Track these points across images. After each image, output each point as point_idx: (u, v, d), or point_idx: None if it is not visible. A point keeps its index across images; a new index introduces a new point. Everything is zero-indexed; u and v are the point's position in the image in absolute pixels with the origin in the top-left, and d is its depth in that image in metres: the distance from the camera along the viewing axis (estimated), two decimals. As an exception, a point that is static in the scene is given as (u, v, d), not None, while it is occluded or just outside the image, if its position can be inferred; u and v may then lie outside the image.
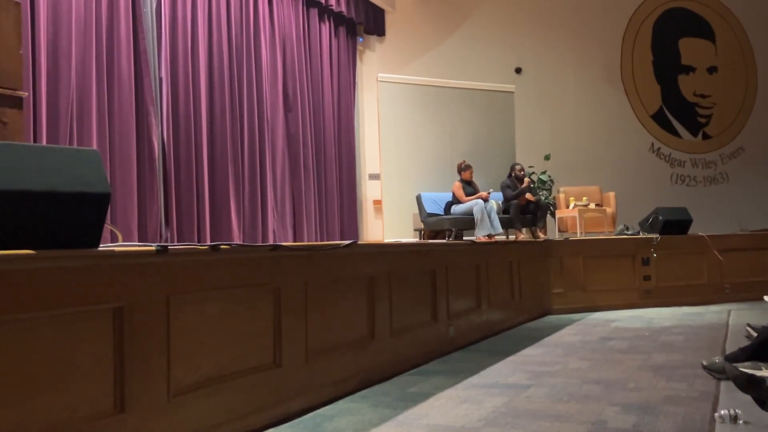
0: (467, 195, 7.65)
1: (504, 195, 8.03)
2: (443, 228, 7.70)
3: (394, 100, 8.58)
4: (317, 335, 3.15)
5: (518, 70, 10.66)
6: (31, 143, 4.72)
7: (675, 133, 11.55)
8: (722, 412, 2.59)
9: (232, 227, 7.04)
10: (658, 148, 11.42)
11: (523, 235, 7.78)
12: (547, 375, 3.66)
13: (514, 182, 8.10)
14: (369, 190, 9.69)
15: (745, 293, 7.17)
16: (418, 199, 8.13)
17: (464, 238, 7.35)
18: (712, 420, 2.61)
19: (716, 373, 3.37)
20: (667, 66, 11.54)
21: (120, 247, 2.31)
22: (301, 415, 2.91)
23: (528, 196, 7.96)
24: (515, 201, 7.82)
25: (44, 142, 5.16)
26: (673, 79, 11.59)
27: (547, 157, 9.83)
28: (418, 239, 7.98)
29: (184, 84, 6.67)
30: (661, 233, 7.12)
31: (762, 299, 6.63)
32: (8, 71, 2.94)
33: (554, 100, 10.81)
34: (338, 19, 9.30)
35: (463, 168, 7.93)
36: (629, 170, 10.91)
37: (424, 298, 4.32)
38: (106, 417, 2.09)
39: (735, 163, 11.68)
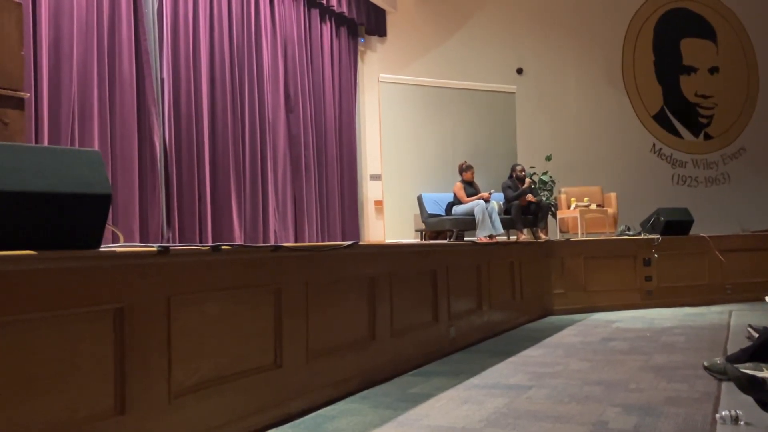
0: (468, 195, 7.65)
1: (505, 195, 8.03)
2: (444, 229, 7.70)
3: (396, 101, 8.58)
4: (318, 336, 3.15)
5: (519, 71, 10.66)
6: (33, 144, 4.73)
7: (676, 133, 11.54)
8: (723, 413, 2.59)
9: (233, 228, 7.05)
10: (660, 149, 11.41)
11: (525, 236, 7.77)
12: (548, 376, 3.66)
13: (515, 183, 8.09)
14: (370, 191, 9.69)
15: (747, 294, 7.16)
16: (419, 199, 8.13)
17: (465, 238, 7.35)
18: (714, 421, 2.61)
19: (717, 374, 3.37)
20: (668, 66, 11.53)
21: (121, 247, 2.31)
22: (302, 416, 2.91)
23: (529, 196, 7.96)
24: (516, 201, 7.81)
25: (45, 143, 5.17)
26: (675, 80, 11.59)
27: (548, 158, 9.82)
28: (419, 240, 7.98)
29: (185, 85, 6.68)
30: (662, 234, 7.11)
31: (763, 300, 6.63)
32: (10, 72, 2.95)
33: (555, 100, 10.80)
34: (339, 20, 9.31)
35: (464, 168, 7.92)
36: (630, 171, 10.91)
37: (425, 298, 4.32)
38: (107, 418, 2.10)
39: (736, 163, 11.67)
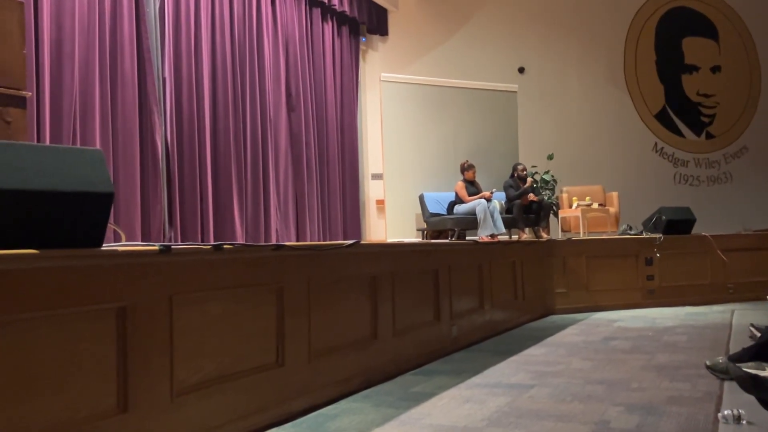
0: (470, 195, 7.65)
1: (507, 195, 8.03)
2: (446, 228, 7.69)
3: (397, 100, 8.58)
4: (320, 335, 3.15)
5: (521, 70, 10.65)
6: (35, 143, 4.73)
7: (678, 132, 11.53)
8: (725, 412, 2.58)
9: (235, 227, 7.05)
10: (662, 148, 11.40)
11: (526, 235, 7.77)
12: (550, 375, 3.65)
13: (516, 182, 8.10)
14: (372, 190, 9.69)
15: (749, 293, 7.15)
16: (421, 198, 8.13)
17: (467, 238, 7.35)
18: (716, 420, 2.61)
19: (720, 373, 3.37)
20: (670, 65, 11.52)
21: (123, 246, 2.31)
22: (304, 415, 2.91)
23: (531, 195, 7.96)
24: (518, 201, 7.81)
25: (47, 142, 5.17)
26: (677, 79, 11.58)
27: (550, 157, 9.82)
28: (420, 239, 7.98)
29: (187, 84, 6.68)
30: (664, 233, 7.11)
31: (765, 299, 6.62)
32: (12, 71, 2.95)
33: (557, 99, 10.80)
34: (341, 19, 9.31)
35: (465, 168, 7.92)
36: (632, 170, 10.90)
37: (426, 297, 4.32)
38: (109, 417, 2.10)
39: (738, 162, 11.66)
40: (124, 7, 6.01)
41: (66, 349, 1.99)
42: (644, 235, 7.29)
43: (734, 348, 4.06)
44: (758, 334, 4.25)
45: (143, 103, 6.21)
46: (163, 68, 6.48)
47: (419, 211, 8.23)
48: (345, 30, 9.41)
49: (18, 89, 2.96)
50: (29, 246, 1.91)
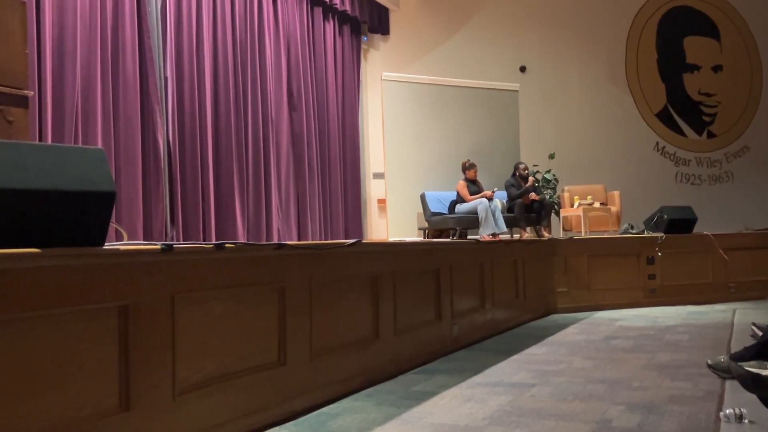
0: (471, 194, 7.65)
1: (508, 194, 8.03)
2: (447, 227, 7.70)
3: (399, 99, 8.58)
4: (322, 334, 3.15)
5: (523, 69, 10.64)
6: (37, 142, 4.74)
7: (680, 131, 11.52)
8: (727, 411, 2.58)
9: (236, 226, 7.05)
10: (663, 147, 11.39)
11: (528, 234, 7.77)
12: (551, 374, 3.66)
13: (518, 181, 8.09)
14: (373, 189, 9.69)
15: (750, 292, 7.16)
16: (423, 197, 8.13)
17: (468, 237, 7.35)
18: (717, 419, 2.61)
19: (721, 372, 3.37)
20: (671, 64, 11.51)
21: (125, 245, 2.31)
22: (306, 414, 2.91)
23: (532, 194, 7.96)
24: (519, 200, 7.81)
25: (49, 141, 5.18)
26: (678, 78, 11.56)
27: (551, 156, 9.82)
28: (422, 238, 7.98)
29: (189, 83, 6.68)
30: (665, 232, 7.11)
31: (767, 298, 6.63)
32: (14, 70, 2.95)
33: (558, 98, 10.79)
34: (342, 18, 9.30)
35: (467, 167, 7.92)
36: (634, 169, 10.89)
37: (428, 297, 4.32)
38: (111, 415, 2.10)
39: (740, 162, 11.65)
40: (126, 7, 6.02)
41: (68, 348, 1.99)
42: (646, 234, 7.29)
43: (736, 347, 4.06)
44: (760, 333, 4.25)
45: (145, 102, 6.21)
46: (165, 67, 6.48)
47: (421, 210, 8.23)
48: (346, 29, 9.41)
49: (20, 88, 2.96)
50: (31, 245, 1.91)
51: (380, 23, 9.95)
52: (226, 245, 2.60)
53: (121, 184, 5.82)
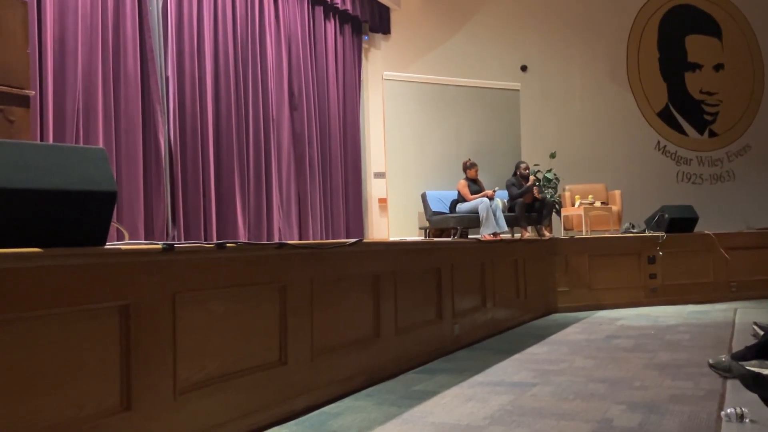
0: (472, 193, 7.65)
1: (509, 193, 8.03)
2: (448, 226, 7.70)
3: (400, 99, 8.58)
4: (323, 333, 3.15)
5: (524, 68, 10.63)
6: (38, 142, 4.74)
7: (681, 130, 11.51)
8: (728, 410, 2.58)
9: (237, 225, 7.06)
10: (664, 146, 11.38)
11: (529, 234, 7.77)
12: (552, 373, 3.66)
13: (519, 180, 8.09)
14: (374, 189, 9.69)
15: (752, 291, 7.15)
16: (424, 197, 8.13)
17: (469, 236, 7.35)
18: (719, 419, 2.61)
19: (722, 371, 3.36)
20: (673, 63, 11.50)
21: (126, 245, 2.32)
22: (307, 413, 2.92)
23: (535, 191, 7.96)
24: (520, 199, 7.81)
25: (51, 141, 5.18)
26: (680, 77, 11.55)
27: (552, 155, 9.80)
28: (423, 237, 7.98)
29: (190, 83, 6.68)
30: (666, 231, 7.10)
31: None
32: (15, 70, 2.95)
33: (560, 97, 10.78)
34: (343, 17, 9.30)
35: (468, 166, 7.92)
36: (635, 168, 10.89)
37: (429, 296, 4.32)
38: (112, 415, 2.10)
39: (741, 161, 11.64)
40: (127, 6, 6.02)
41: (69, 347, 1.99)
42: (647, 234, 7.28)
43: (737, 346, 4.05)
44: (761, 333, 4.24)
45: (146, 101, 6.21)
46: (166, 67, 6.48)
47: (422, 209, 8.23)
48: (347, 28, 9.41)
49: (21, 88, 2.96)
50: (33, 245, 1.92)
51: (381, 22, 9.94)
52: (227, 245, 2.60)
53: (123, 184, 5.82)
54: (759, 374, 2.77)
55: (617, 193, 9.36)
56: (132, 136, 6.00)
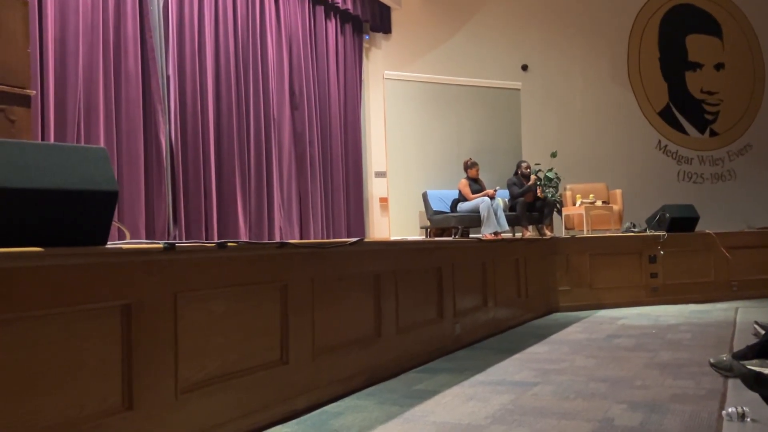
0: (473, 192, 7.65)
1: (510, 192, 8.03)
2: (449, 225, 7.70)
3: (401, 98, 8.58)
4: (324, 333, 3.15)
5: (525, 68, 10.63)
6: (39, 141, 4.74)
7: (682, 130, 11.51)
8: (730, 409, 2.58)
9: (238, 225, 7.06)
10: (665, 145, 11.38)
11: (530, 233, 7.77)
12: (553, 372, 3.66)
13: (520, 180, 8.09)
14: (375, 188, 9.69)
15: (753, 291, 7.15)
16: (425, 196, 8.13)
17: (470, 235, 7.35)
18: (720, 418, 2.61)
19: (724, 370, 3.36)
20: (674, 62, 11.50)
21: (127, 244, 2.32)
22: (308, 413, 2.92)
23: (538, 191, 7.97)
24: (521, 198, 7.81)
25: (52, 140, 5.18)
26: (680, 76, 11.55)
27: (553, 155, 9.80)
28: (424, 237, 7.98)
29: (191, 82, 6.68)
30: (668, 230, 7.10)
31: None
32: (16, 70, 2.95)
33: (561, 97, 10.78)
34: (344, 17, 9.30)
35: (469, 165, 7.92)
36: (636, 167, 10.88)
37: (430, 295, 4.32)
38: (113, 414, 2.10)
39: (742, 160, 11.63)
40: (128, 6, 6.02)
41: (70, 347, 2.00)
42: (648, 233, 7.28)
43: (738, 346, 4.05)
44: (762, 332, 4.24)
45: (147, 101, 6.21)
46: (167, 66, 6.48)
47: (423, 208, 8.24)
48: (348, 28, 9.40)
49: (22, 88, 2.96)
50: (34, 244, 1.92)
51: (382, 22, 9.94)
52: (229, 244, 2.60)
53: (124, 183, 5.82)
54: (760, 373, 2.77)
55: (618, 192, 9.36)
56: (133, 135, 6.00)
